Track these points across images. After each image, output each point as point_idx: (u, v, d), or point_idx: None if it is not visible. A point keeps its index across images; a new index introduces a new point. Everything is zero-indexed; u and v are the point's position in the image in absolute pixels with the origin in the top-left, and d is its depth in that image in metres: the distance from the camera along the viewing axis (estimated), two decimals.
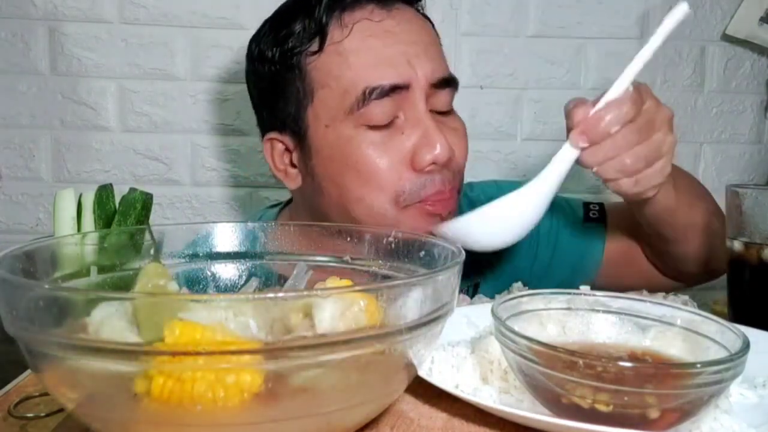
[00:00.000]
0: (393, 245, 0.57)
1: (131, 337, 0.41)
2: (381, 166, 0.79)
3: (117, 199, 0.69)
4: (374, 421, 0.48)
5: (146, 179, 1.31)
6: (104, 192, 0.69)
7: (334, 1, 0.80)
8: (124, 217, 0.67)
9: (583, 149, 0.70)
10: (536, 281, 0.91)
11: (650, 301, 0.54)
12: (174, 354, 0.37)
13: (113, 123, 1.30)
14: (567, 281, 0.95)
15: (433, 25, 0.89)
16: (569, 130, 0.71)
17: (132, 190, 0.69)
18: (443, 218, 0.80)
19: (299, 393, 0.39)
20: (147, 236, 0.57)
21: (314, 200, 0.86)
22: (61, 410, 0.48)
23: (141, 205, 0.68)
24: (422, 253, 0.54)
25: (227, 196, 1.34)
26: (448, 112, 0.85)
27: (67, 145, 1.29)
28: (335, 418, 0.42)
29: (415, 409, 0.51)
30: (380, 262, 0.57)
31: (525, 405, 0.49)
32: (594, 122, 0.69)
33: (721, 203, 0.75)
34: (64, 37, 1.26)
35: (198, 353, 0.36)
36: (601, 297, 0.55)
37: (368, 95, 0.78)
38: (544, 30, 1.33)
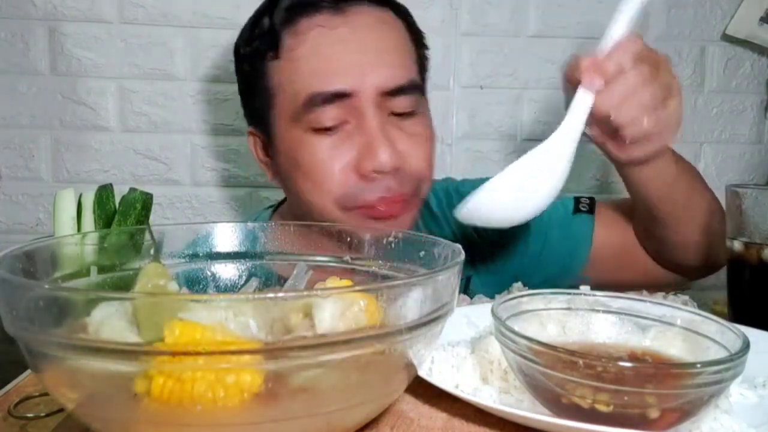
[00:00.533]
0: (393, 245, 0.57)
1: (131, 337, 0.41)
2: (326, 171, 0.81)
3: (117, 199, 0.69)
4: (374, 421, 0.48)
5: (146, 179, 1.31)
6: (104, 192, 0.69)
7: (291, 8, 0.82)
8: (124, 217, 0.67)
9: (598, 91, 0.69)
10: (528, 275, 0.91)
11: (650, 301, 0.54)
12: (174, 354, 0.37)
13: (113, 123, 1.30)
14: (558, 275, 0.95)
15: (409, 21, 0.89)
16: (575, 81, 0.70)
17: (132, 190, 0.69)
18: (390, 222, 0.81)
19: (299, 393, 0.39)
20: (147, 236, 0.57)
21: (287, 196, 0.92)
22: (61, 410, 0.48)
23: (141, 205, 0.68)
24: (422, 253, 0.54)
25: (227, 196, 1.34)
26: (410, 116, 0.84)
27: (67, 145, 1.29)
28: (335, 418, 0.42)
29: (415, 409, 0.51)
30: (380, 262, 0.57)
31: (525, 405, 0.49)
32: (606, 61, 0.69)
33: (721, 203, 0.75)
34: (64, 37, 1.26)
35: (198, 353, 0.36)
36: (601, 297, 0.55)
37: (311, 101, 0.80)
38: (544, 30, 1.33)
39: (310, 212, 0.84)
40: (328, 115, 0.80)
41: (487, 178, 0.74)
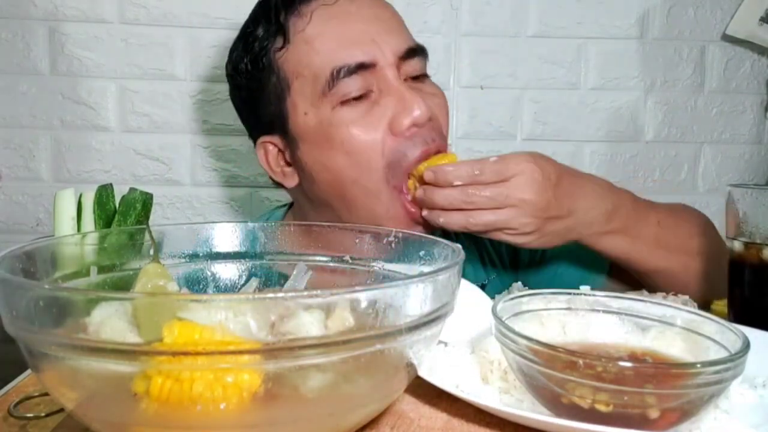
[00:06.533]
0: (393, 245, 0.57)
1: (131, 337, 0.41)
2: (364, 141, 0.80)
3: (117, 199, 0.69)
4: (374, 421, 0.48)
5: (146, 179, 1.31)
6: (104, 192, 0.69)
7: None
8: (124, 217, 0.67)
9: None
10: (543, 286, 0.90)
11: (650, 301, 0.54)
12: (173, 354, 0.37)
13: (113, 123, 1.30)
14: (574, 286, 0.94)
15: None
16: None
17: (132, 190, 0.69)
18: None
19: (298, 393, 0.39)
20: (147, 236, 0.57)
21: (310, 191, 0.88)
22: (61, 410, 0.48)
23: (141, 205, 0.68)
24: (422, 253, 0.54)
25: (227, 196, 1.34)
26: (423, 79, 0.87)
27: (67, 145, 1.29)
28: (335, 418, 0.42)
29: (415, 409, 0.51)
30: (380, 262, 0.57)
31: (525, 405, 0.49)
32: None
33: (722, 203, 0.74)
34: (64, 37, 1.26)
35: (198, 353, 0.36)
36: (601, 297, 0.55)
37: (336, 75, 0.80)
38: (544, 30, 1.33)
39: (354, 195, 0.82)
40: (355, 85, 0.81)
41: None
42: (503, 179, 0.74)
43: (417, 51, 0.85)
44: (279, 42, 0.84)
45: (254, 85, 0.87)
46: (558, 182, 0.76)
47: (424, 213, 0.78)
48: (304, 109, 0.83)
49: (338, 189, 0.83)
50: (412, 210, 0.81)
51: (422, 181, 0.78)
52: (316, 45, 0.82)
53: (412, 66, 0.85)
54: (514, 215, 0.74)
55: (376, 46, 0.81)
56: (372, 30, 0.82)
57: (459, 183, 0.74)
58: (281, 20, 0.84)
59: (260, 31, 0.85)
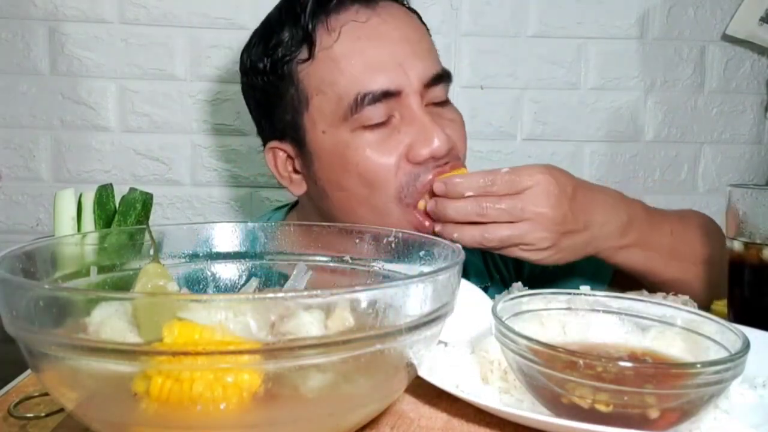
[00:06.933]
0: (393, 245, 0.57)
1: (131, 337, 0.41)
2: (381, 166, 0.79)
3: (117, 199, 0.69)
4: (374, 421, 0.48)
5: (146, 179, 1.31)
6: (104, 192, 0.69)
7: (318, 7, 0.81)
8: (124, 217, 0.67)
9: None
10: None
11: (650, 301, 0.54)
12: (173, 354, 0.37)
13: (113, 123, 1.30)
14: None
15: (420, 18, 0.90)
16: None
17: (132, 190, 0.69)
18: None
19: (298, 393, 0.39)
20: (147, 236, 0.57)
21: (320, 204, 0.87)
22: (61, 410, 0.48)
23: (141, 205, 0.68)
24: (422, 253, 0.54)
25: (227, 196, 1.34)
26: (444, 104, 0.86)
27: (67, 145, 1.29)
28: (335, 419, 0.42)
29: (415, 409, 0.51)
30: (380, 262, 0.57)
31: (525, 405, 0.49)
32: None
33: (722, 203, 0.74)
34: (64, 37, 1.26)
35: (198, 353, 0.36)
36: (601, 297, 0.55)
37: (361, 101, 0.79)
38: (544, 30, 1.33)
39: (363, 214, 0.82)
40: (377, 112, 0.79)
41: None
42: (517, 191, 0.73)
43: (442, 77, 0.84)
44: (303, 53, 0.81)
45: (271, 89, 0.85)
46: (574, 195, 0.75)
47: (437, 228, 0.77)
48: (322, 128, 0.81)
49: (350, 205, 0.83)
50: (427, 224, 0.79)
51: (433, 194, 0.78)
52: (342, 65, 0.80)
53: (436, 93, 0.83)
54: (529, 229, 0.73)
55: (402, 72, 0.80)
56: (400, 53, 0.81)
57: (470, 194, 0.73)
58: (309, 31, 0.81)
59: (285, 36, 0.83)
